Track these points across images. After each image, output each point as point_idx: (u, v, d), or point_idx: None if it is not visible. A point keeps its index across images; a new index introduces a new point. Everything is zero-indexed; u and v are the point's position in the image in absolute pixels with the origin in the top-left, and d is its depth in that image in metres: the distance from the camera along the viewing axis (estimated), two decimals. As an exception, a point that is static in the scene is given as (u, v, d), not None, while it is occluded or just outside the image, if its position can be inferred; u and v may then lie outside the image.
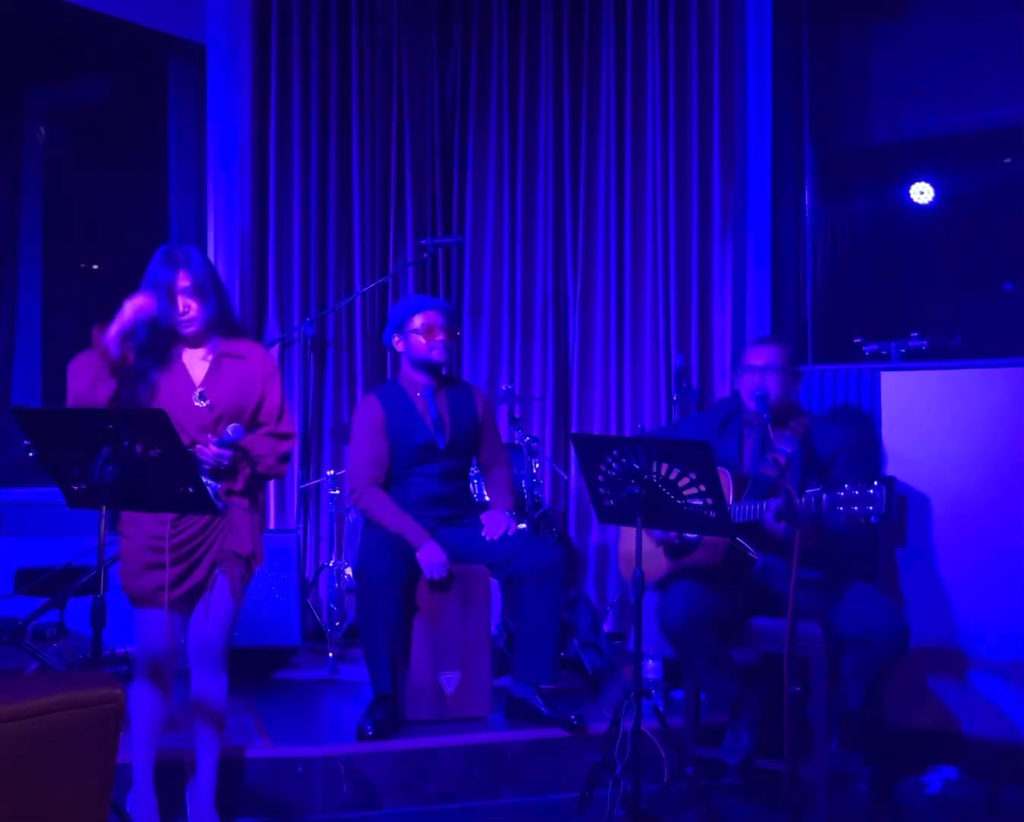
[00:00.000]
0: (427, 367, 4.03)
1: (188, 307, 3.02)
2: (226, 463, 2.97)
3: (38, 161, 5.58)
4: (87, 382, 2.92)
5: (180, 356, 3.07)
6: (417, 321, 3.99)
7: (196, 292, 3.02)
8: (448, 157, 5.95)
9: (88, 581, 3.77)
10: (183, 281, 3.01)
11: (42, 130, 5.63)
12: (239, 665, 4.18)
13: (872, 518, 3.17)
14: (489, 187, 5.83)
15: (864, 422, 4.15)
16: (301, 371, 5.22)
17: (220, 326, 3.11)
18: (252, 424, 3.09)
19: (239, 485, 3.04)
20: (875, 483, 3.16)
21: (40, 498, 4.40)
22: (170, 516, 2.93)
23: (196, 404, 3.03)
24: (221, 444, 2.95)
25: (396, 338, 4.05)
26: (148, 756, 3.07)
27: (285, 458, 3.15)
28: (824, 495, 3.25)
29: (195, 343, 3.09)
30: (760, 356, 3.67)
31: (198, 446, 2.95)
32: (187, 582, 2.99)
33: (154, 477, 2.65)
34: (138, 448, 2.60)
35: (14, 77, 5.39)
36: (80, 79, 5.74)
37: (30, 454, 4.35)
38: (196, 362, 3.09)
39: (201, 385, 3.05)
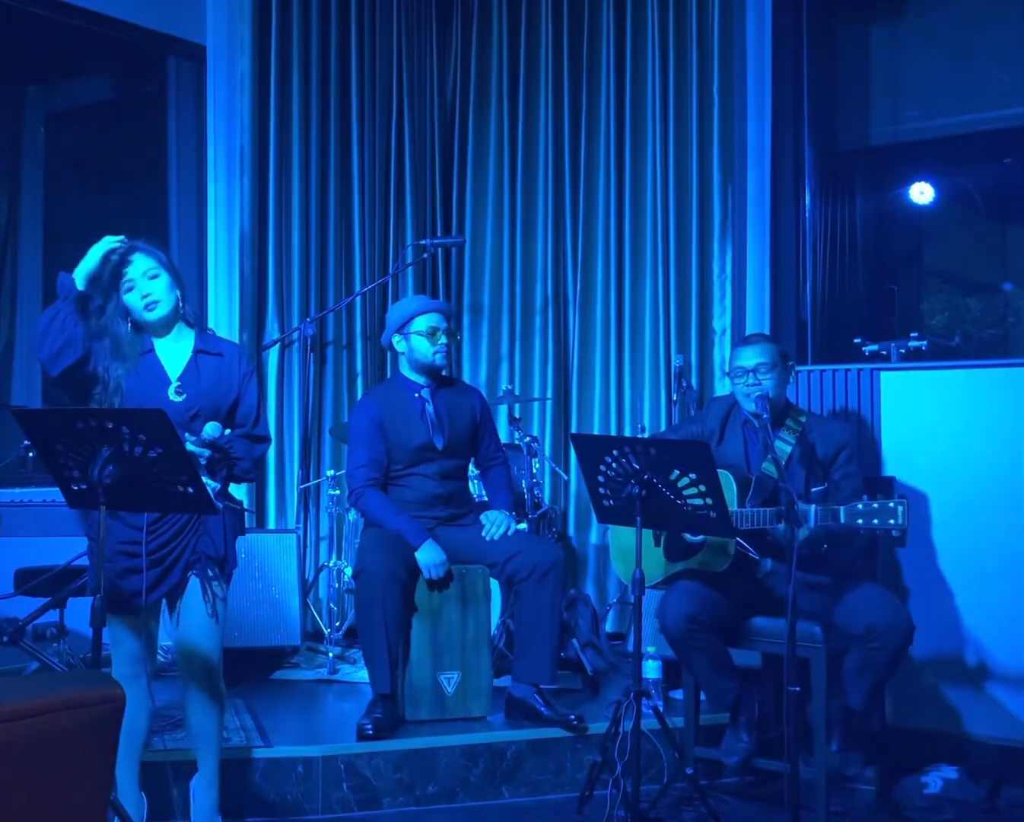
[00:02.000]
0: (428, 370, 4.02)
1: (148, 290, 2.97)
2: (203, 463, 2.91)
3: (38, 161, 5.57)
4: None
5: (153, 351, 3.02)
6: (421, 323, 3.97)
7: (154, 275, 2.98)
8: (448, 157, 5.95)
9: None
10: (139, 266, 2.98)
11: (42, 130, 5.63)
12: (239, 665, 4.19)
13: (893, 532, 3.19)
14: (489, 187, 5.83)
15: (862, 421, 4.15)
16: (301, 371, 5.22)
17: (187, 317, 3.08)
18: (226, 425, 3.02)
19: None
20: (897, 495, 3.18)
21: (40, 498, 4.39)
22: (144, 521, 2.87)
23: (172, 398, 2.95)
24: (200, 443, 2.90)
25: (397, 338, 4.04)
26: (130, 766, 3.01)
27: (259, 462, 3.11)
28: (841, 508, 3.25)
29: (168, 336, 3.04)
30: (750, 356, 3.64)
31: None
32: (162, 586, 2.94)
33: (154, 477, 2.64)
34: (138, 448, 2.60)
35: (14, 77, 5.39)
36: (80, 79, 5.74)
37: (30, 454, 4.35)
38: (171, 357, 3.03)
39: (179, 379, 2.99)
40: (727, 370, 3.74)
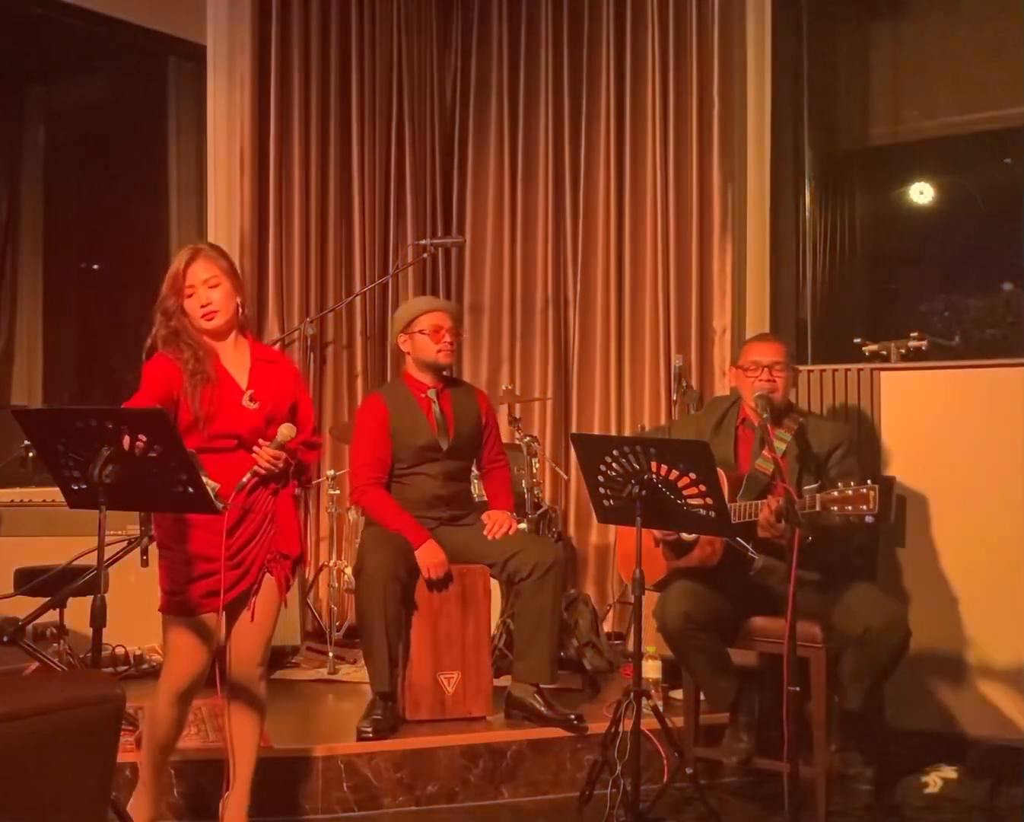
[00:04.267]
0: (433, 368, 4.03)
1: (207, 299, 2.95)
2: (281, 465, 2.91)
3: (38, 161, 5.58)
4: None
5: (218, 361, 2.98)
6: (424, 322, 3.98)
7: (215, 283, 2.95)
8: (448, 157, 5.95)
9: (88, 581, 3.77)
10: (201, 272, 2.95)
11: (42, 129, 5.63)
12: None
13: (866, 518, 3.17)
14: (489, 187, 5.83)
15: (862, 421, 4.15)
16: (301, 371, 5.21)
17: (245, 324, 3.06)
18: None
19: (289, 487, 3.00)
20: (868, 482, 3.16)
21: (40, 498, 4.40)
22: (224, 525, 2.84)
23: (246, 406, 2.94)
24: (278, 446, 2.89)
25: (402, 338, 4.05)
26: (161, 773, 3.05)
27: (314, 468, 3.14)
28: (817, 495, 3.25)
29: (227, 345, 3.01)
30: (767, 352, 3.65)
31: (255, 449, 2.89)
32: (239, 586, 2.93)
33: (154, 477, 2.64)
34: (138, 448, 2.59)
35: (14, 77, 5.40)
36: (80, 79, 5.75)
37: (30, 454, 4.35)
38: (235, 365, 3.00)
39: (248, 387, 2.97)
40: (739, 364, 3.71)
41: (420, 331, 3.98)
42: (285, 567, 3.00)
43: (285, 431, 2.90)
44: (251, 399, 2.96)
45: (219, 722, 3.18)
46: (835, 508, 3.21)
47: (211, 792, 3.28)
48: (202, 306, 2.95)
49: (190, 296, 2.96)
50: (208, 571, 2.89)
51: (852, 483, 3.20)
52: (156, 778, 3.04)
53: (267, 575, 2.98)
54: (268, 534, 2.97)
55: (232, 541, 2.89)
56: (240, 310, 3.04)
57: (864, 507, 3.15)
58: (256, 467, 2.90)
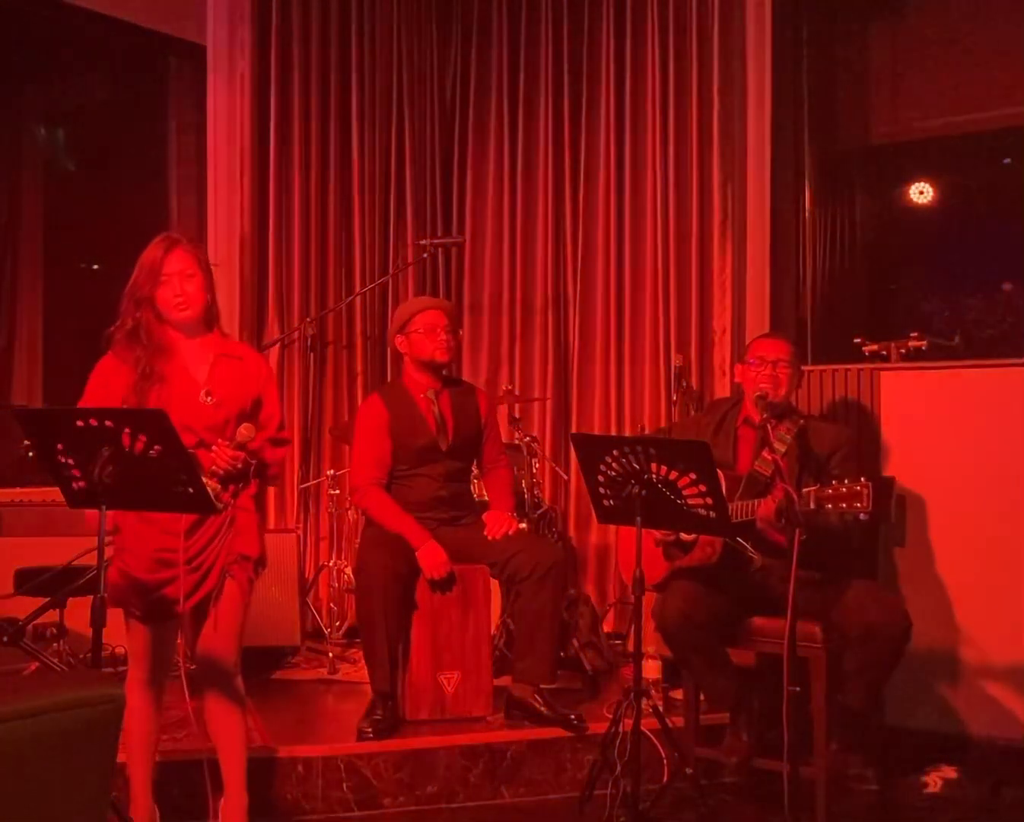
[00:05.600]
0: (431, 367, 4.03)
1: (183, 291, 2.93)
2: (240, 466, 2.89)
3: (38, 161, 5.57)
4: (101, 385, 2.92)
5: (179, 355, 2.97)
6: (419, 321, 3.99)
7: (191, 274, 2.93)
8: (448, 157, 5.95)
9: (88, 581, 3.77)
10: (176, 263, 2.93)
11: (42, 130, 5.63)
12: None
13: (860, 514, 3.17)
14: (489, 187, 5.83)
15: (862, 421, 4.15)
16: (301, 371, 5.21)
17: (214, 320, 3.04)
18: None
19: (251, 488, 2.98)
20: (862, 479, 3.16)
21: (40, 498, 4.39)
22: (183, 526, 2.84)
23: (203, 402, 2.92)
24: (237, 446, 2.87)
25: (399, 339, 4.05)
26: (147, 769, 3.02)
27: (282, 464, 3.12)
28: (812, 492, 3.25)
29: (193, 339, 3.00)
30: (773, 349, 3.65)
31: (213, 448, 2.86)
32: (201, 590, 2.91)
33: (154, 477, 2.64)
34: (138, 448, 2.59)
35: (14, 77, 5.39)
36: (80, 79, 5.74)
37: (30, 454, 4.34)
38: (196, 361, 2.98)
39: (206, 383, 2.95)
40: (745, 359, 3.71)
41: (416, 331, 3.99)
42: (247, 569, 2.97)
43: (244, 431, 2.87)
44: (207, 395, 2.93)
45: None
46: (829, 505, 3.21)
47: (211, 793, 3.28)
48: (175, 295, 2.93)
49: (164, 284, 2.94)
50: (168, 577, 2.87)
51: (846, 480, 3.20)
52: (143, 778, 3.01)
53: (229, 579, 2.94)
54: (227, 536, 2.93)
55: (191, 543, 2.86)
56: (210, 306, 3.01)
57: (858, 504, 3.15)
58: (213, 467, 2.86)
